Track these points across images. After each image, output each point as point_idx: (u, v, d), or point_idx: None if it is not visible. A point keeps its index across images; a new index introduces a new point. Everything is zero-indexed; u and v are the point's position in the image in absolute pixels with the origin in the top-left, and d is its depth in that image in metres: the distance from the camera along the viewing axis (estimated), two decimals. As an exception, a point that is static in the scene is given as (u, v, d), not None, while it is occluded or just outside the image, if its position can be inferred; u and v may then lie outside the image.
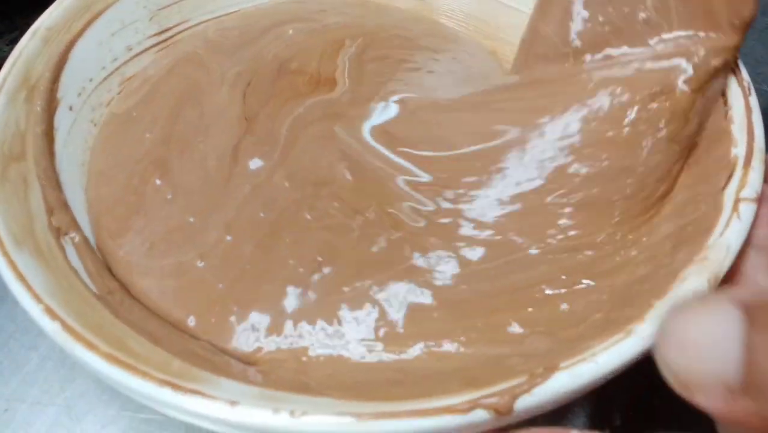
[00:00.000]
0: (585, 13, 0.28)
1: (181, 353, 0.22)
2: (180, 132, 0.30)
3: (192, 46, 0.35)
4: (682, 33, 0.26)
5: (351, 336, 0.25)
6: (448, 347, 0.24)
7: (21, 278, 0.22)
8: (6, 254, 0.22)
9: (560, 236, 0.26)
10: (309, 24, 0.36)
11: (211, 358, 0.23)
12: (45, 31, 0.29)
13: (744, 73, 0.26)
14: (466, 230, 0.27)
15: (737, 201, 0.23)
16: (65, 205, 0.27)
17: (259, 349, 0.25)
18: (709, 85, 0.26)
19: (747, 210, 0.23)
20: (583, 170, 0.27)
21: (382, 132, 0.30)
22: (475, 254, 0.26)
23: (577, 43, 0.28)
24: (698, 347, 0.17)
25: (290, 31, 0.35)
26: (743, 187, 0.23)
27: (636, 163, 0.26)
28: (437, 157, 0.29)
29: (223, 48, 0.34)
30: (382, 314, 0.25)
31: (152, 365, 0.20)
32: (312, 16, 0.37)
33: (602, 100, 0.27)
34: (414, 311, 0.25)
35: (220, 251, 0.27)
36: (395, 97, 0.32)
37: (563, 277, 0.25)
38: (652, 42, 0.27)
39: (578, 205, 0.26)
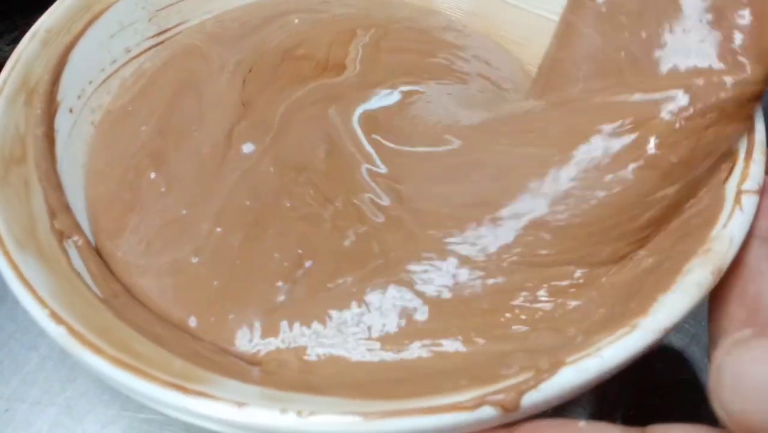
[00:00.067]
0: (599, 39, 0.26)
1: (186, 354, 0.22)
2: (176, 122, 0.30)
3: (190, 39, 0.34)
4: (698, 63, 0.24)
5: (346, 335, 0.24)
6: (449, 345, 0.24)
7: (25, 281, 0.22)
8: (9, 258, 0.22)
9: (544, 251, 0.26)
10: (314, 15, 0.36)
11: (216, 359, 0.23)
12: (44, 33, 0.29)
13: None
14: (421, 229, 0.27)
15: (739, 193, 0.23)
16: (67, 208, 0.27)
17: (260, 349, 0.24)
18: (714, 118, 0.24)
19: (749, 202, 0.23)
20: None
21: (370, 117, 0.30)
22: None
23: (588, 69, 0.27)
24: (754, 387, 0.17)
25: (296, 21, 0.35)
26: (745, 179, 0.23)
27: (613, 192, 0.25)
28: (397, 150, 0.29)
29: (223, 39, 0.34)
30: (369, 312, 0.25)
31: (158, 367, 0.20)
32: (316, 7, 0.37)
33: (597, 125, 0.25)
34: (399, 309, 0.25)
35: (211, 244, 0.27)
36: (405, 87, 0.32)
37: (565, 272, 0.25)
38: (664, 71, 0.25)
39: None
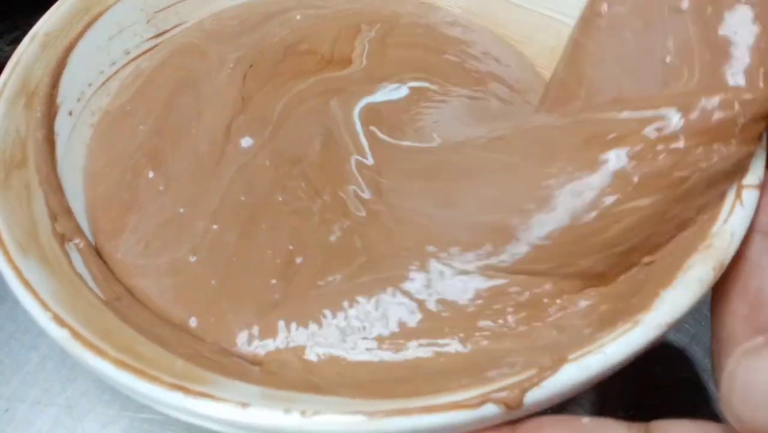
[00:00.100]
0: (602, 56, 0.26)
1: (189, 356, 0.22)
2: (174, 121, 0.30)
3: (188, 37, 0.34)
4: (699, 80, 0.23)
5: (344, 334, 0.24)
6: (449, 344, 0.24)
7: (27, 284, 0.22)
8: (11, 261, 0.22)
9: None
10: (316, 11, 0.36)
11: (218, 359, 0.23)
12: (43, 36, 0.29)
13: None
14: (396, 225, 0.26)
15: (740, 188, 0.23)
16: (68, 212, 0.27)
17: (260, 349, 0.24)
18: (705, 138, 0.22)
19: (750, 197, 0.23)
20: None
21: (372, 110, 0.30)
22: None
23: (589, 86, 0.26)
24: (765, 396, 0.17)
25: (297, 17, 0.35)
26: (745, 174, 0.23)
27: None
28: (388, 143, 0.29)
29: (221, 37, 0.34)
30: (362, 312, 0.25)
31: (161, 369, 0.20)
32: (318, 3, 0.37)
33: (574, 138, 0.25)
34: (390, 309, 0.25)
35: (208, 242, 0.26)
36: (415, 83, 0.32)
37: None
38: (662, 88, 0.24)
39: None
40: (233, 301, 0.25)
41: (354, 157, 0.28)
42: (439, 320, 0.24)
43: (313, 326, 0.24)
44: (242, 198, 0.27)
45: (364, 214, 0.27)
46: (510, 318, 0.24)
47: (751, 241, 0.23)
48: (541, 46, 0.35)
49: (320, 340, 0.24)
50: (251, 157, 0.28)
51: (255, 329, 0.25)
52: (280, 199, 0.27)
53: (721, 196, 0.23)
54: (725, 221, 0.22)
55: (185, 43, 0.34)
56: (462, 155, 0.27)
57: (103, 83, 0.32)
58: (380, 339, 0.24)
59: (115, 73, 0.32)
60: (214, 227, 0.27)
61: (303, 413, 0.18)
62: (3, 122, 0.26)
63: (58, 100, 0.29)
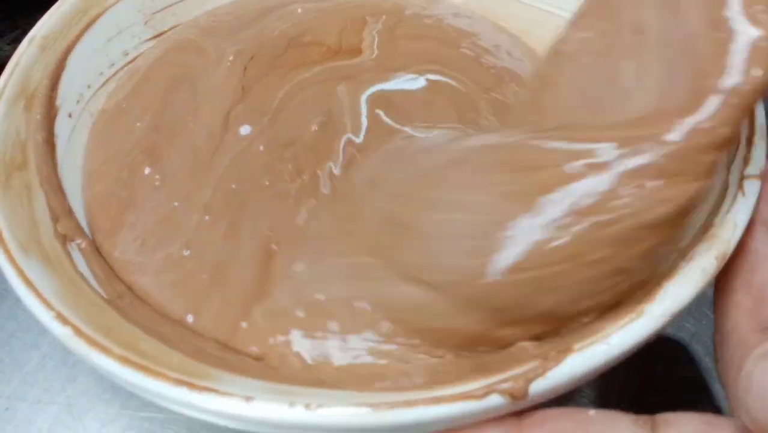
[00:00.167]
0: (563, 85, 0.24)
1: (192, 352, 0.22)
2: (171, 116, 0.30)
3: (184, 34, 0.34)
4: (647, 107, 0.21)
5: (332, 328, 0.24)
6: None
7: (29, 284, 0.22)
8: (13, 261, 0.22)
9: None
10: (317, 3, 0.35)
11: (222, 356, 0.23)
12: (41, 39, 0.29)
13: None
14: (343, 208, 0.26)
15: (742, 178, 0.23)
16: (69, 212, 0.27)
17: (254, 344, 0.24)
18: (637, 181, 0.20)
19: (752, 186, 0.23)
20: None
21: (383, 96, 0.30)
22: None
23: (541, 108, 0.24)
24: None
25: (299, 10, 0.35)
26: (747, 164, 0.23)
27: None
28: (388, 126, 0.29)
29: (219, 32, 0.34)
30: (327, 305, 0.24)
31: (165, 365, 0.20)
32: None
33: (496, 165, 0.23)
34: (355, 302, 0.24)
35: (200, 235, 0.26)
36: (433, 76, 0.32)
37: None
38: (609, 118, 0.21)
39: None
40: (223, 295, 0.25)
41: (346, 136, 0.28)
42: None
43: (292, 320, 0.24)
44: (233, 186, 0.27)
45: (328, 192, 0.27)
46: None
47: (754, 233, 0.23)
48: (539, 41, 0.35)
49: (313, 333, 0.24)
50: (247, 144, 0.28)
51: (244, 324, 0.24)
52: (267, 183, 0.27)
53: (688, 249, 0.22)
54: (728, 210, 0.22)
55: (181, 39, 0.34)
56: (436, 162, 0.26)
57: (102, 85, 0.32)
58: (370, 333, 0.24)
59: (114, 74, 0.32)
60: (206, 218, 0.27)
61: (307, 406, 0.18)
62: (3, 124, 0.26)
63: (58, 102, 0.29)
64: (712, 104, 0.20)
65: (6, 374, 0.32)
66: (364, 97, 0.30)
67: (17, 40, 0.29)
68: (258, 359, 0.24)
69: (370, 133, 0.29)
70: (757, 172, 0.23)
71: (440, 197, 0.23)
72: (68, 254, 0.25)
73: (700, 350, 0.33)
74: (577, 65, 0.24)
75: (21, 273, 0.22)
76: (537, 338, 0.22)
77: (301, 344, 0.24)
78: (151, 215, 0.27)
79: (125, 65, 0.33)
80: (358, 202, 0.26)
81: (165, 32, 0.35)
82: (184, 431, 0.30)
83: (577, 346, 0.19)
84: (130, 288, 0.26)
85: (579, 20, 0.24)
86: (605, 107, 0.22)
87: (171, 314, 0.25)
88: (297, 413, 0.18)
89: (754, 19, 0.20)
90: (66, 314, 0.21)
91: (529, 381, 0.19)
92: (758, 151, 0.23)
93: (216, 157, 0.28)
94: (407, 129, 0.29)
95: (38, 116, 0.28)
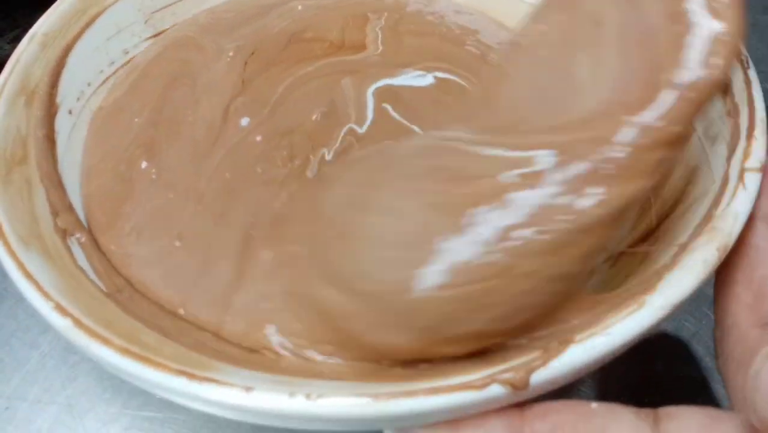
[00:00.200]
0: (511, 73, 0.23)
1: (191, 345, 0.22)
2: (170, 111, 0.30)
3: (182, 32, 0.34)
4: (598, 104, 0.20)
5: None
6: None
7: (29, 276, 0.22)
8: (13, 254, 0.22)
9: None
10: (317, 1, 0.35)
11: (222, 348, 0.23)
12: (42, 36, 0.29)
13: (742, 48, 0.26)
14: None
15: (742, 171, 0.23)
16: (69, 208, 0.27)
17: (243, 337, 0.24)
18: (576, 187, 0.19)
19: (752, 179, 0.23)
20: None
21: (390, 90, 0.30)
22: None
23: (491, 104, 0.23)
24: None
25: (299, 7, 0.35)
26: (747, 157, 0.23)
27: None
28: (397, 122, 0.29)
29: (218, 29, 0.34)
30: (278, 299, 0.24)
31: (165, 357, 0.20)
32: None
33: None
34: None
35: (192, 225, 0.26)
36: (441, 74, 0.31)
37: None
38: (554, 119, 0.21)
39: None
40: (208, 286, 0.25)
41: (348, 125, 0.28)
42: None
43: (263, 312, 0.24)
44: (227, 175, 0.27)
45: (312, 176, 0.27)
46: None
47: (755, 228, 0.23)
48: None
49: (276, 329, 0.24)
50: (245, 135, 0.28)
51: (227, 318, 0.24)
52: (259, 170, 0.27)
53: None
54: (728, 203, 0.22)
55: (180, 37, 0.34)
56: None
57: (103, 83, 0.32)
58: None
59: (114, 72, 0.33)
60: (199, 208, 0.26)
61: (308, 396, 0.18)
62: (3, 120, 0.26)
63: (58, 99, 0.30)
64: (666, 100, 0.19)
65: (6, 373, 0.32)
66: (370, 91, 0.30)
67: (18, 39, 0.29)
68: (255, 351, 0.24)
69: (376, 126, 0.29)
70: (758, 165, 0.23)
71: (378, 199, 0.22)
72: (68, 249, 0.25)
73: (700, 350, 0.33)
74: (533, 58, 0.23)
75: (21, 266, 0.22)
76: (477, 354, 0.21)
77: (275, 339, 0.24)
78: (146, 208, 0.27)
79: (125, 63, 0.33)
80: (321, 189, 0.26)
81: (165, 31, 0.35)
82: (185, 431, 0.30)
83: (578, 337, 0.19)
84: (128, 282, 0.26)
85: (539, 12, 0.24)
86: (557, 102, 0.21)
87: (168, 307, 0.25)
88: (297, 403, 0.18)
89: (715, 13, 0.19)
90: (66, 305, 0.21)
91: (530, 372, 0.19)
92: (759, 145, 0.23)
93: (214, 149, 0.28)
94: (415, 128, 0.29)
95: (39, 113, 0.28)
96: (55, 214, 0.26)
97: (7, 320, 0.33)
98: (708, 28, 0.19)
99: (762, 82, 0.25)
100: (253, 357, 0.23)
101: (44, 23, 0.30)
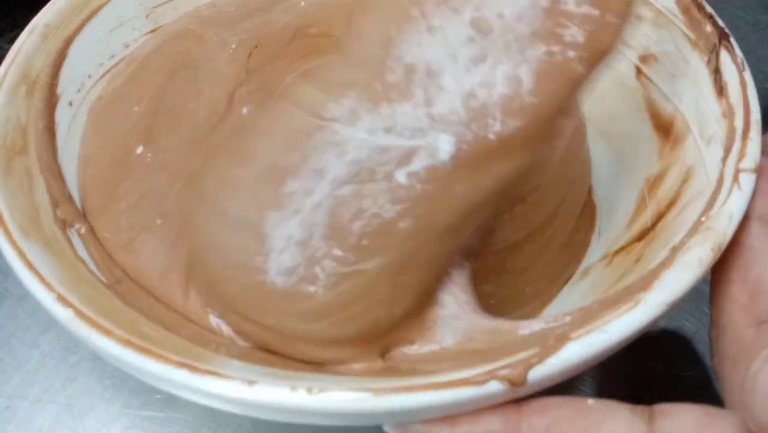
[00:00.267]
0: None
1: (191, 337, 0.22)
2: (171, 100, 0.30)
3: (182, 24, 0.34)
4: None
5: None
6: None
7: (31, 267, 0.22)
8: (14, 244, 0.22)
9: None
10: None
11: (222, 341, 0.23)
12: (43, 27, 0.29)
13: (737, 50, 0.27)
14: None
15: (737, 172, 0.23)
16: (69, 198, 0.27)
17: (201, 319, 0.24)
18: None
19: (747, 180, 0.23)
20: None
21: None
22: None
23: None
24: None
25: (302, 3, 0.34)
26: (742, 158, 0.23)
27: None
28: None
29: (219, 22, 0.33)
30: None
31: (167, 349, 0.20)
32: None
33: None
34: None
35: (174, 203, 0.26)
36: None
37: None
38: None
39: None
40: (176, 267, 0.25)
41: None
42: None
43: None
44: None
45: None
46: None
47: (749, 227, 0.23)
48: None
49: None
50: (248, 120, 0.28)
51: (191, 299, 0.25)
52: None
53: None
54: (723, 203, 0.22)
55: (180, 29, 0.33)
56: None
57: (103, 75, 0.32)
58: None
59: (115, 65, 0.33)
60: (187, 186, 0.26)
61: (309, 390, 0.18)
62: (4, 110, 0.26)
63: (59, 90, 0.29)
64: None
65: (6, 373, 0.32)
66: None
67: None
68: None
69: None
70: (752, 166, 0.23)
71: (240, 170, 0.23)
72: (68, 239, 0.25)
73: (700, 349, 0.34)
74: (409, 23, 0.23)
75: (23, 256, 0.22)
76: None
77: (214, 321, 0.24)
78: (138, 189, 0.27)
79: (125, 57, 0.33)
80: None
81: (165, 25, 0.35)
82: (185, 430, 0.30)
83: (575, 334, 0.19)
84: (125, 272, 0.26)
85: None
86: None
87: (163, 298, 0.25)
88: (299, 397, 0.18)
89: None
90: (67, 296, 0.21)
91: (528, 368, 0.19)
92: (754, 146, 0.24)
93: (213, 133, 0.28)
94: None
95: (39, 104, 0.28)
96: (54, 205, 0.26)
97: (7, 319, 0.33)
98: None
99: (763, 82, 0.26)
100: (254, 350, 0.23)
101: (46, 14, 0.30)
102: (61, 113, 0.29)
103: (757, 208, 0.23)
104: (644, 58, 0.30)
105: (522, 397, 0.20)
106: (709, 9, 0.28)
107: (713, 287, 0.23)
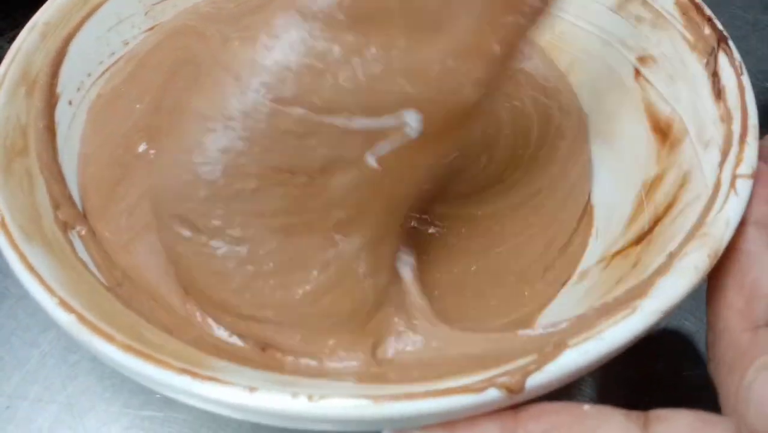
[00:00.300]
0: None
1: (192, 341, 0.22)
2: (173, 97, 0.30)
3: (182, 20, 0.34)
4: None
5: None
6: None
7: (33, 270, 0.22)
8: (16, 247, 0.22)
9: None
10: None
11: (223, 346, 0.23)
12: (42, 26, 0.29)
13: (736, 53, 0.27)
14: None
15: (734, 178, 0.23)
16: (70, 199, 0.27)
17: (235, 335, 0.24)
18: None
19: (744, 186, 0.23)
20: None
21: None
22: None
23: None
24: None
25: None
26: (739, 163, 0.23)
27: None
28: None
29: (219, 18, 0.33)
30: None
31: (168, 354, 0.20)
32: None
33: None
34: None
35: None
36: None
37: None
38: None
39: None
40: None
41: None
42: None
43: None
44: None
45: None
46: None
47: (746, 233, 0.23)
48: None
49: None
50: None
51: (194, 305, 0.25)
52: None
53: None
54: (720, 209, 0.22)
55: (179, 25, 0.33)
56: None
57: (103, 73, 0.32)
58: None
59: (114, 63, 0.33)
60: None
61: (310, 397, 0.19)
62: (4, 109, 0.26)
63: (58, 89, 0.29)
64: None
65: (6, 372, 0.32)
66: None
67: (18, 38, 0.29)
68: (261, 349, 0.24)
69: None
70: (749, 171, 0.23)
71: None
72: (69, 241, 0.25)
73: (700, 349, 0.34)
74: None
75: (24, 258, 0.22)
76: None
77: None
78: (138, 188, 0.27)
79: (125, 55, 0.33)
80: None
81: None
82: (185, 430, 0.31)
83: (572, 341, 0.20)
84: (125, 273, 0.26)
85: None
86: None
87: (163, 299, 0.25)
88: (300, 404, 0.18)
89: None
90: (69, 301, 0.21)
91: (526, 375, 0.19)
92: (751, 151, 0.24)
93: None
94: None
95: (39, 104, 0.28)
96: (55, 206, 0.26)
97: (7, 319, 0.33)
98: None
99: (762, 81, 0.25)
100: (255, 355, 0.23)
101: (45, 12, 0.30)
102: (61, 113, 0.29)
103: (753, 213, 0.23)
104: (643, 60, 0.30)
105: (519, 403, 0.20)
106: (707, 11, 0.28)
107: (710, 292, 0.23)
